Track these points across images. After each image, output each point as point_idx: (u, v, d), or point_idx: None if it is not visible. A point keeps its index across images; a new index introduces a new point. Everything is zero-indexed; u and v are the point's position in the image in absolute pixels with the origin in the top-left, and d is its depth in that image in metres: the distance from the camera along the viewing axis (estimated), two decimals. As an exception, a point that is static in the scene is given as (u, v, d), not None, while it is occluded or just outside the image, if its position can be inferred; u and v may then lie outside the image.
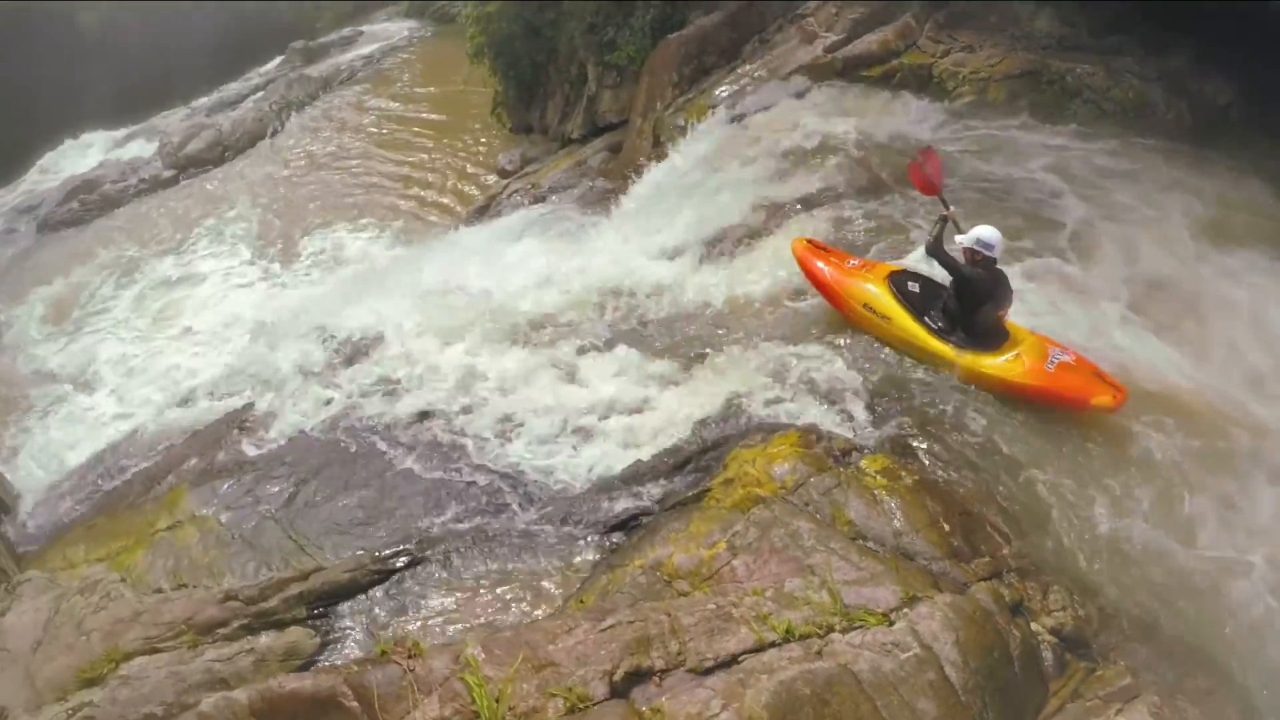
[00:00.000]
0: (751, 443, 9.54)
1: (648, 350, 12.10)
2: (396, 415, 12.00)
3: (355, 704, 5.84)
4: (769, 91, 17.47)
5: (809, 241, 12.19)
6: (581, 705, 6.07)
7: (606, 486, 10.04)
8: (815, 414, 9.97)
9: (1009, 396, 10.01)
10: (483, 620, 8.66)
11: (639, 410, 11.17)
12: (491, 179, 23.54)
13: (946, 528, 8.23)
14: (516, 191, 20.82)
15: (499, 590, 8.97)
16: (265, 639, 8.98)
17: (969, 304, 10.33)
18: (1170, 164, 13.95)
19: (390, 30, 38.00)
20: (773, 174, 15.42)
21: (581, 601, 8.10)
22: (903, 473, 8.79)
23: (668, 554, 8.22)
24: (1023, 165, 14.34)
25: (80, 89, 36.56)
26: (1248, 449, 9.32)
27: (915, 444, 9.35)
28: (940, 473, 8.99)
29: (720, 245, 14.12)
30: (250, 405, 13.18)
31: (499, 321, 13.50)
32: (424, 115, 28.43)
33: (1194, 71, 15.42)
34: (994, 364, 10.09)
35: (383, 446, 11.49)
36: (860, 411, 9.89)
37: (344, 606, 9.23)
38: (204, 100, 35.41)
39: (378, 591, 9.30)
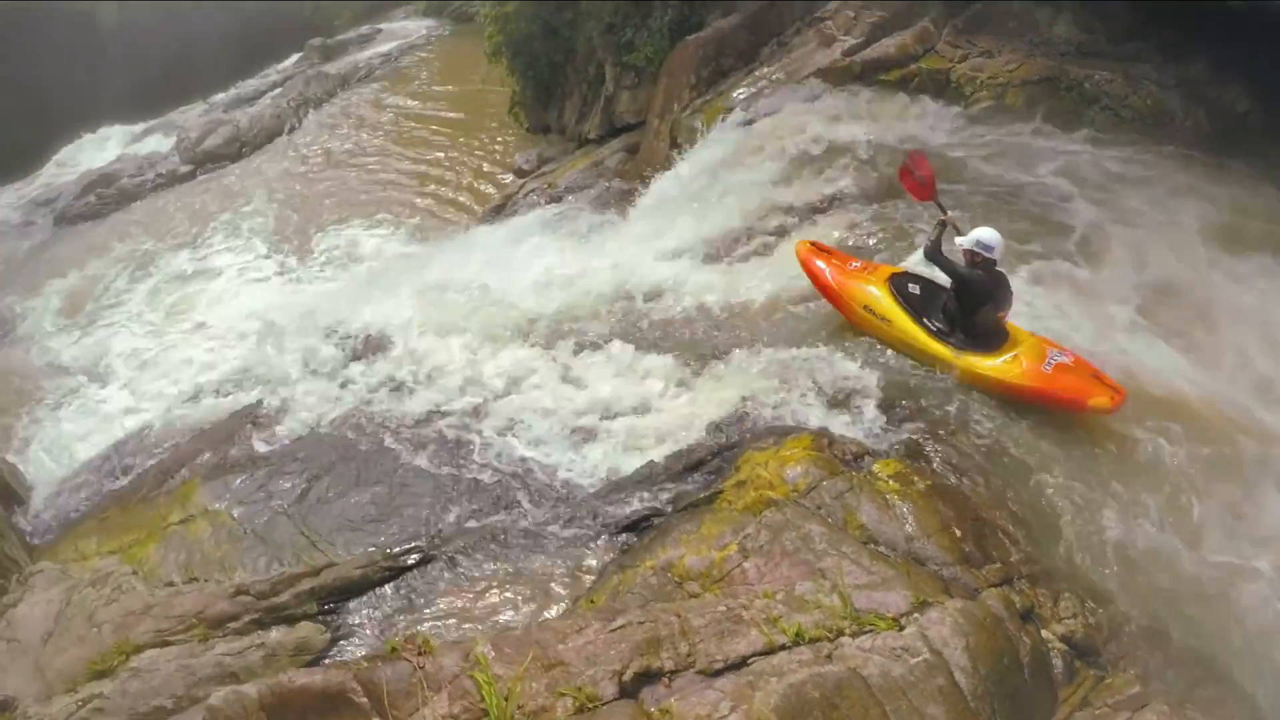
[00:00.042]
0: (764, 445, 9.53)
1: (660, 351, 12.11)
2: (408, 413, 12.02)
3: (365, 700, 5.84)
4: (786, 94, 17.46)
5: (812, 244, 12.21)
6: (590, 705, 6.07)
7: (618, 487, 10.04)
8: (828, 417, 9.97)
9: (1007, 398, 10.01)
10: (493, 619, 8.67)
11: (651, 411, 11.19)
12: (508, 178, 23.56)
13: (958, 533, 8.22)
14: (533, 191, 20.82)
15: (509, 589, 8.98)
16: (276, 634, 9.01)
17: (969, 306, 10.35)
18: (1186, 170, 13.94)
19: (408, 28, 38.10)
20: (788, 177, 15.43)
21: (592, 601, 8.11)
22: (915, 477, 8.78)
23: (679, 555, 8.22)
24: (1037, 170, 14.34)
25: (98, 84, 36.62)
26: (1256, 456, 9.30)
27: (928, 448, 9.33)
28: (952, 478, 8.97)
29: (735, 247, 14.14)
30: (263, 401, 13.19)
31: (511, 321, 13.54)
32: (441, 114, 28.49)
33: (1212, 79, 15.39)
34: (991, 365, 10.10)
35: (394, 444, 11.51)
36: (873, 415, 9.88)
37: (355, 603, 9.25)
38: (222, 96, 35.53)
39: (388, 588, 9.32)
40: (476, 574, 9.21)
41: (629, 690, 6.24)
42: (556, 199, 19.82)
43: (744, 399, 10.61)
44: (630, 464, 10.40)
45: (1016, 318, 10.67)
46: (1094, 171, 14.12)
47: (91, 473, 13.77)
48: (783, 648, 6.70)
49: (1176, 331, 10.95)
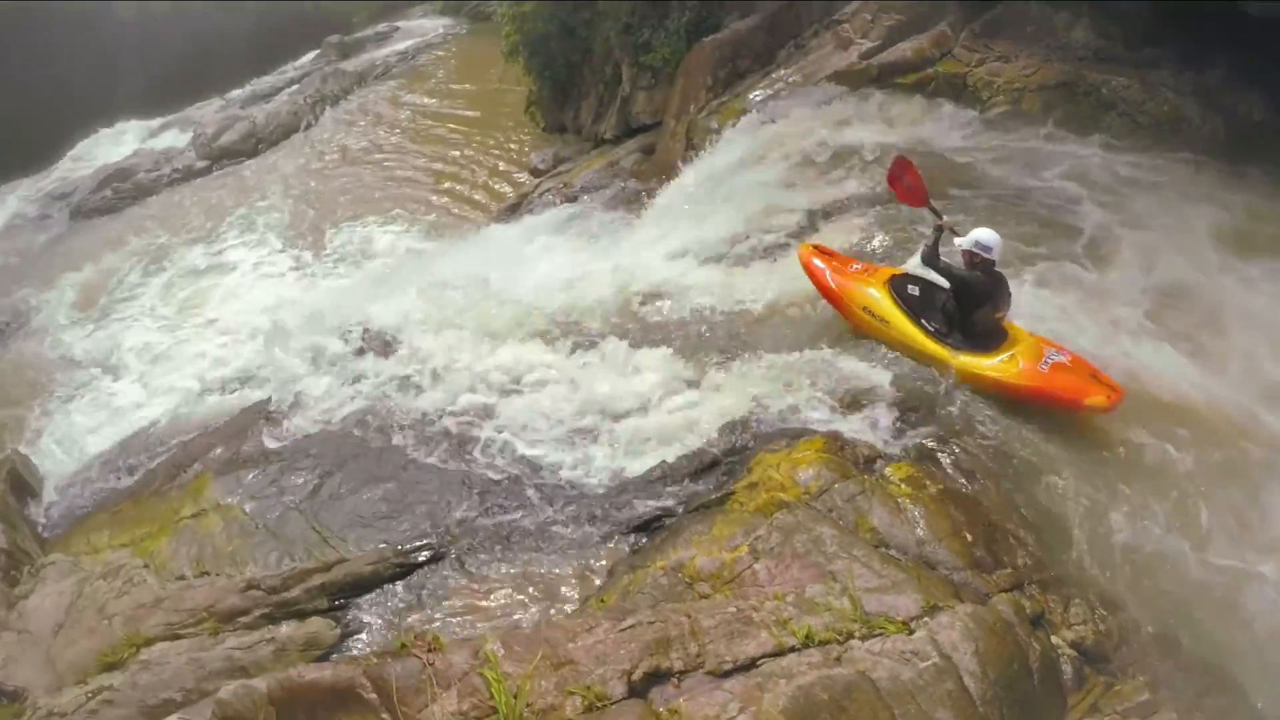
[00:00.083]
0: (776, 447, 9.51)
1: (672, 352, 12.09)
2: (420, 410, 12.03)
3: (374, 696, 5.85)
4: (802, 97, 17.48)
5: (814, 246, 12.24)
6: (599, 704, 6.07)
7: (629, 487, 10.04)
8: (839, 420, 9.95)
9: (1004, 398, 9.99)
10: (503, 616, 8.68)
11: (662, 411, 11.17)
12: (524, 177, 23.56)
13: (969, 537, 8.20)
14: (548, 191, 20.82)
15: (519, 587, 8.99)
16: (286, 628, 9.05)
17: (967, 306, 10.35)
18: (1201, 176, 13.95)
19: (425, 27, 38.19)
20: (803, 179, 15.44)
21: (602, 601, 8.11)
22: (927, 481, 8.76)
23: (690, 556, 8.22)
24: (1051, 175, 14.35)
25: (115, 80, 36.86)
26: (1263, 461, 9.27)
27: (939, 452, 9.32)
28: (964, 481, 8.95)
29: (748, 249, 14.12)
30: (276, 397, 13.22)
31: (523, 319, 13.55)
32: (458, 112, 28.54)
33: (1229, 86, 15.32)
34: (988, 365, 10.09)
35: (407, 441, 11.53)
36: (884, 418, 9.84)
37: (365, 599, 9.28)
38: (238, 92, 35.67)
39: (399, 585, 9.35)
40: (487, 572, 9.23)
41: (638, 690, 6.24)
42: (572, 199, 19.82)
43: (755, 400, 10.60)
44: (640, 464, 10.40)
45: (1022, 319, 10.69)
46: (1108, 176, 14.12)
47: (104, 466, 13.85)
48: (792, 650, 6.70)
49: (1184, 335, 10.92)
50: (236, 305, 20.89)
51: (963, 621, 7.03)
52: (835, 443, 9.37)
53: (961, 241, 10.24)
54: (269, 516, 10.64)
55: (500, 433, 11.32)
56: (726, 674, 6.45)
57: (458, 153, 25.99)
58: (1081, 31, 17.03)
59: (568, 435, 11.11)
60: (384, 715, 5.81)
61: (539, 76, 24.84)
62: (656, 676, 6.35)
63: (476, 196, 23.47)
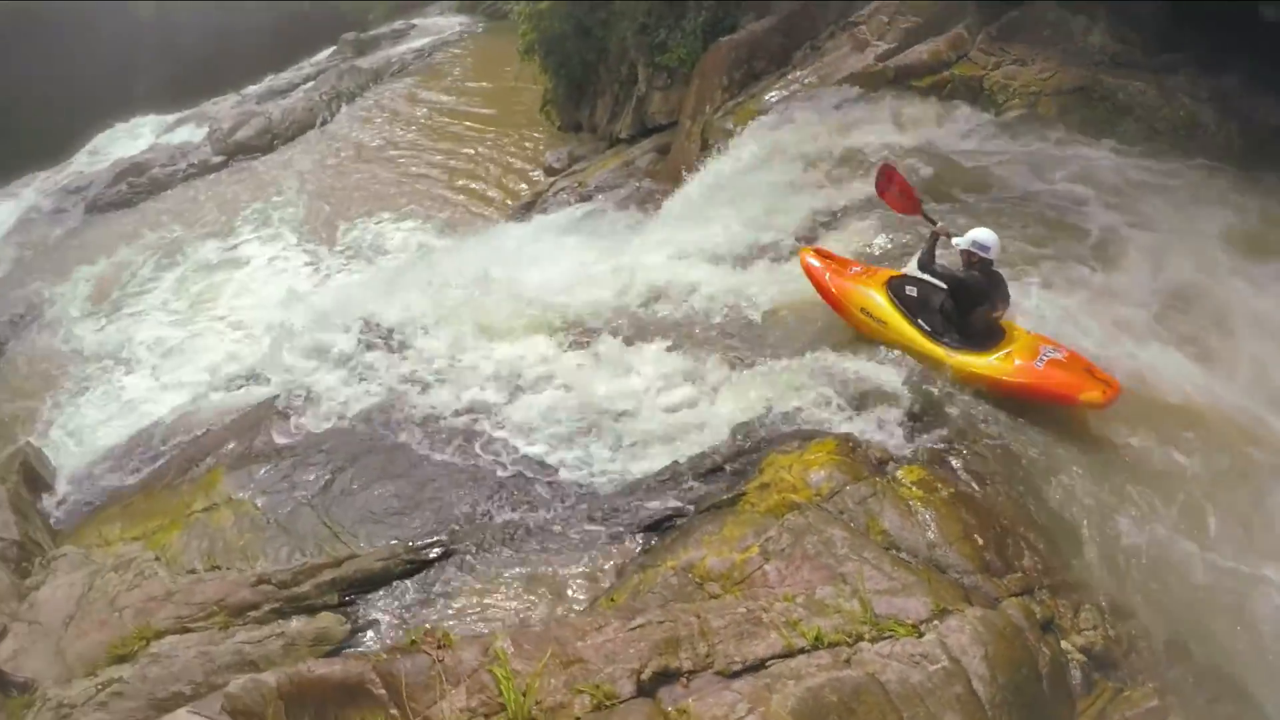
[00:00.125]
0: (788, 448, 9.50)
1: (685, 352, 12.10)
2: (433, 407, 12.04)
3: (383, 692, 5.87)
4: (818, 98, 17.46)
5: (815, 250, 12.32)
6: (608, 703, 6.08)
7: (640, 486, 10.04)
8: (852, 422, 9.94)
9: (1002, 396, 10.00)
10: (512, 614, 8.69)
11: (675, 411, 11.18)
12: (539, 176, 23.56)
13: (980, 541, 8.20)
14: (563, 189, 20.86)
15: (529, 585, 9.00)
16: (296, 623, 9.06)
17: (964, 306, 10.40)
18: (1213, 181, 13.88)
19: (441, 25, 38.20)
20: (816, 181, 15.42)
21: (612, 600, 8.12)
22: (938, 484, 8.76)
23: (700, 556, 8.23)
24: (1064, 179, 14.32)
25: (132, 75, 36.90)
26: (1271, 466, 9.25)
27: (951, 455, 9.30)
28: (975, 485, 8.93)
29: (760, 250, 14.10)
30: (289, 392, 13.22)
31: (536, 317, 13.56)
32: (474, 110, 28.54)
33: (1246, 92, 15.26)
34: (984, 363, 10.11)
35: (419, 438, 11.54)
36: (897, 421, 9.82)
37: (375, 595, 9.30)
38: (254, 88, 35.63)
39: (409, 581, 9.35)
40: (497, 569, 9.24)
41: (647, 689, 6.25)
42: (586, 198, 19.86)
43: (766, 401, 10.60)
44: (650, 464, 10.41)
45: (1033, 320, 10.74)
46: (1121, 180, 14.09)
47: (116, 459, 13.86)
48: (801, 651, 6.71)
49: (1192, 338, 10.91)
50: (250, 300, 20.93)
51: (972, 625, 7.03)
52: (847, 444, 9.37)
53: (959, 241, 10.29)
54: (280, 511, 10.67)
55: (509, 431, 11.33)
56: (735, 674, 6.46)
57: (473, 150, 25.99)
58: (1099, 36, 16.98)
59: (577, 434, 11.12)
60: (393, 711, 5.84)
61: (555, 75, 24.88)
62: (665, 676, 6.36)
63: (491, 194, 23.47)
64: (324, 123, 30.53)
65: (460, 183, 24.36)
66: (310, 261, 22.40)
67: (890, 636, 6.92)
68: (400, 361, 13.14)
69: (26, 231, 27.91)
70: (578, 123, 25.22)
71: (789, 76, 18.65)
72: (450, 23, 38.38)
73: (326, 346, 13.98)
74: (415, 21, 39.13)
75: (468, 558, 9.42)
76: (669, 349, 12.20)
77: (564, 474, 10.54)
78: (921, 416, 9.88)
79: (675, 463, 10.15)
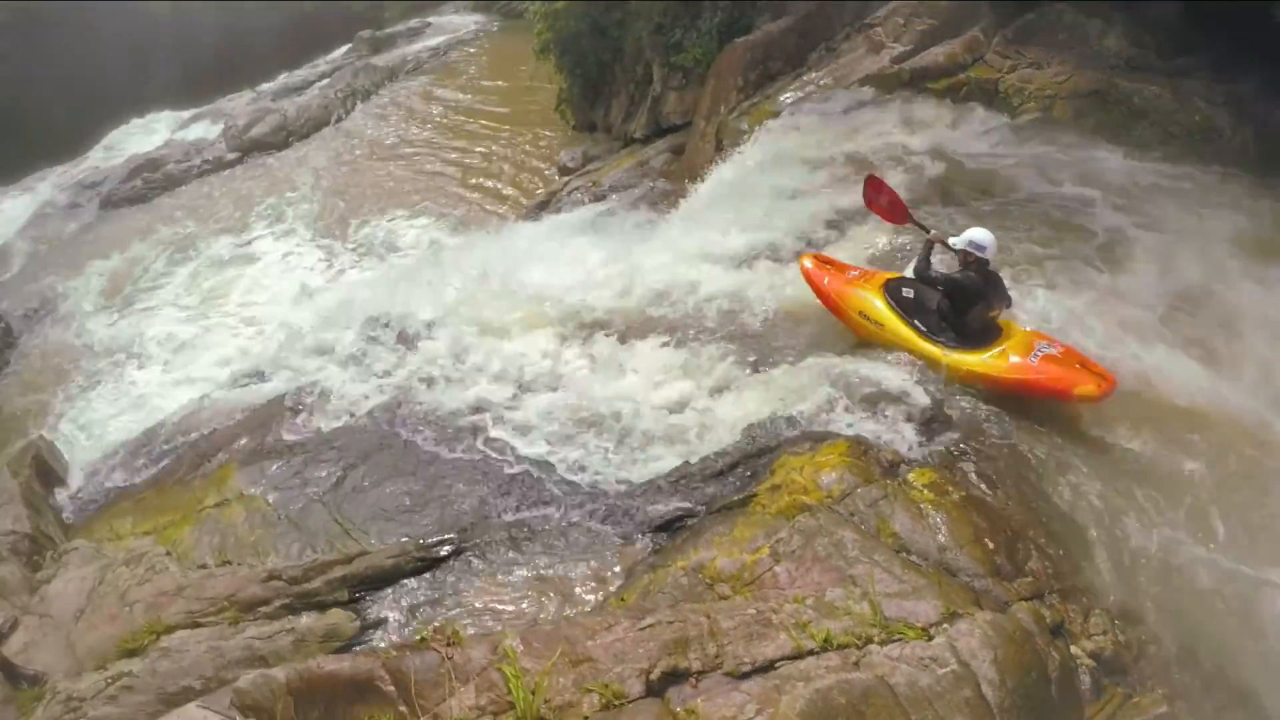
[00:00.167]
0: (800, 450, 9.48)
1: (697, 353, 12.09)
2: (444, 406, 12.06)
3: (392, 688, 5.88)
4: (833, 100, 17.43)
5: (815, 256, 12.37)
6: (617, 702, 6.07)
7: (651, 486, 10.02)
8: (864, 424, 9.92)
9: (998, 393, 10.06)
10: (522, 613, 8.69)
11: (686, 412, 11.18)
12: (553, 175, 23.56)
13: (991, 545, 8.18)
14: (577, 189, 20.87)
15: (539, 584, 9.00)
16: (306, 619, 9.08)
17: (961, 306, 10.50)
18: (1227, 185, 13.86)
19: (457, 23, 38.25)
20: (830, 183, 15.39)
21: (622, 599, 8.12)
22: (950, 487, 8.74)
23: (710, 557, 8.22)
24: (1077, 182, 14.28)
25: (148, 72, 37.03)
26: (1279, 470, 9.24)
27: (962, 458, 9.28)
28: (985, 489, 8.91)
29: (772, 252, 14.08)
30: (301, 389, 13.26)
31: (549, 317, 13.57)
32: (488, 109, 28.56)
33: (1261, 97, 15.21)
34: (979, 361, 10.22)
35: (430, 436, 11.56)
36: (908, 424, 9.79)
37: (385, 592, 9.31)
38: (270, 85, 35.75)
39: (419, 579, 9.36)
40: (507, 568, 9.25)
41: (656, 689, 6.24)
42: (600, 197, 19.86)
43: (777, 402, 10.60)
44: (660, 465, 10.40)
45: (1033, 320, 10.80)
46: (1135, 184, 14.06)
47: (127, 454, 13.91)
48: (811, 653, 6.69)
49: (1199, 340, 10.92)
50: (262, 296, 21.03)
51: (982, 629, 7.01)
52: (859, 447, 9.35)
53: (956, 242, 10.43)
54: (292, 508, 10.69)
55: (519, 430, 11.34)
56: (744, 675, 6.45)
57: (487, 149, 26.00)
58: (1114, 39, 16.93)
59: (587, 434, 11.12)
60: (401, 708, 5.84)
61: (570, 75, 24.84)
62: (674, 676, 6.35)
63: (505, 193, 23.47)
64: (339, 120, 30.59)
65: (474, 181, 24.38)
66: (323, 258, 22.44)
67: (900, 639, 6.91)
68: (411, 359, 13.18)
69: (41, 226, 28.01)
70: (592, 122, 25.19)
71: (804, 78, 18.63)
72: (465, 21, 38.43)
73: (336, 344, 14.06)
74: (431, 20, 39.21)
75: (477, 556, 9.43)
76: (683, 350, 12.23)
77: (573, 474, 10.54)
78: (931, 419, 9.86)
79: (685, 463, 10.14)
